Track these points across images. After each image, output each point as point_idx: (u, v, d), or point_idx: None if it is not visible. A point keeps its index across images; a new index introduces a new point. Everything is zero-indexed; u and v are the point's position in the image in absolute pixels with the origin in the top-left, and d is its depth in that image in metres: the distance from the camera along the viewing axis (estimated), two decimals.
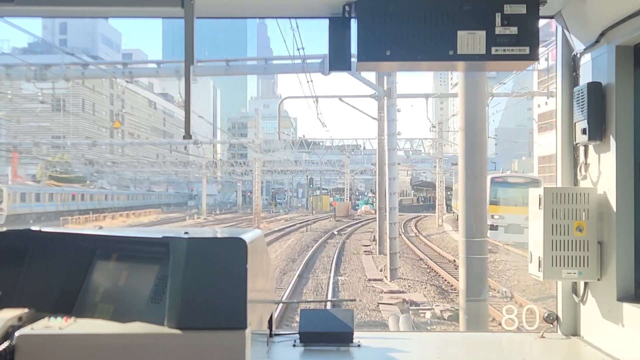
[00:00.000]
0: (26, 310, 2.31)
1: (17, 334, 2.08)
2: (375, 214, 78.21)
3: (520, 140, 62.94)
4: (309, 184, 70.22)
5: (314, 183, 72.06)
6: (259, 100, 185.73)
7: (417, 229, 45.58)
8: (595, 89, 2.84)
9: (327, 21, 2.84)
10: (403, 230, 39.69)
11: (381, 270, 21.59)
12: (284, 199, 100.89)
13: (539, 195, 2.94)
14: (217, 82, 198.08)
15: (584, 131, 2.88)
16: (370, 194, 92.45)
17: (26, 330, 2.11)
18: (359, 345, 2.95)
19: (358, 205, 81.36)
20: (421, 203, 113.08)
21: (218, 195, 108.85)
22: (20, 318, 2.24)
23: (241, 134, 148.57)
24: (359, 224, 50.53)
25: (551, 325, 3.20)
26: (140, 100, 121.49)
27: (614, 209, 2.75)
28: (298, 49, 16.86)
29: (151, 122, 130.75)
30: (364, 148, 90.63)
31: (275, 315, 3.07)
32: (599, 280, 2.86)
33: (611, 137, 2.76)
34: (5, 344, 2.04)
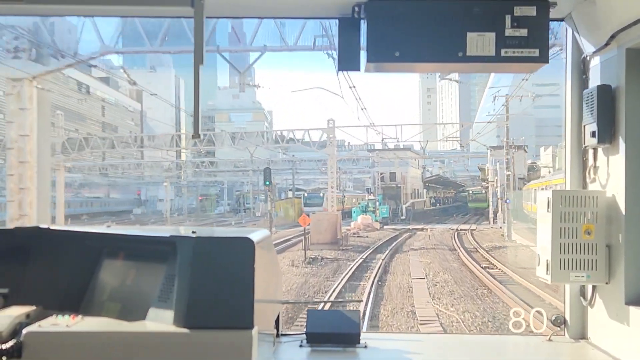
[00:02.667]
0: (34, 307, 2.42)
1: (24, 331, 2.16)
2: (379, 227, 44.22)
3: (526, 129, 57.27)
4: (265, 178, 33.06)
5: (271, 177, 35.25)
6: (227, 90, 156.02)
7: None
8: (604, 91, 2.93)
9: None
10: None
11: None
12: (249, 203, 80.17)
13: (548, 197, 3.02)
14: (181, 71, 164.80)
15: (593, 134, 2.97)
16: (369, 197, 63.73)
17: (34, 327, 2.19)
18: (365, 346, 3.01)
19: (352, 216, 56.33)
20: (430, 206, 78.27)
21: (177, 200, 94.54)
22: (27, 315, 2.35)
23: (207, 129, 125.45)
24: (369, 285, 20.85)
25: (559, 329, 3.23)
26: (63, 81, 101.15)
27: (623, 212, 2.86)
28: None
29: (82, 109, 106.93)
30: (349, 143, 78.54)
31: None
32: (607, 283, 2.97)
33: (620, 140, 2.88)
34: (13, 341, 2.14)
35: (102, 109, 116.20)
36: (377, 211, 56.26)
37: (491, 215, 49.45)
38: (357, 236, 41.11)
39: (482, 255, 30.04)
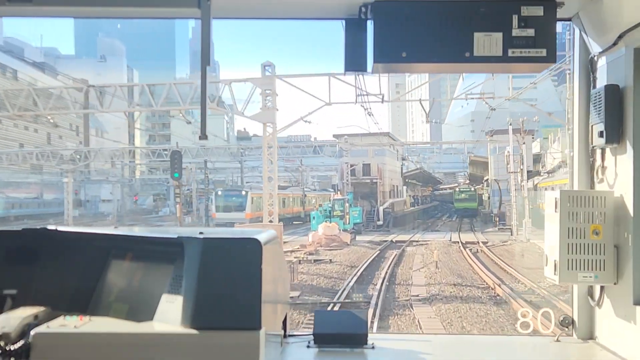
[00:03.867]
0: (42, 308, 2.45)
1: (32, 332, 2.20)
2: (350, 240, 32.47)
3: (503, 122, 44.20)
4: (174, 169, 15.12)
5: (182, 167, 18.48)
6: (186, 82, 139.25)
7: None
8: (612, 91, 2.95)
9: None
10: None
11: None
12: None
13: (556, 198, 3.04)
14: (134, 63, 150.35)
15: (600, 134, 3.00)
16: (336, 196, 46.42)
17: (42, 328, 2.24)
18: (373, 347, 3.04)
19: (311, 224, 39.83)
20: (410, 207, 63.16)
21: (124, 200, 78.73)
22: (36, 316, 2.38)
23: (162, 124, 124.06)
24: None
25: (567, 329, 3.26)
26: None
27: (631, 213, 2.90)
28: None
29: (7, 97, 78.51)
30: (316, 139, 69.55)
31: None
32: (615, 284, 3.01)
33: (628, 140, 2.92)
34: (21, 342, 2.20)
35: (35, 98, 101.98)
36: (347, 216, 43.30)
37: (514, 222, 34.77)
38: (315, 260, 25.93)
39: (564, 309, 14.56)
